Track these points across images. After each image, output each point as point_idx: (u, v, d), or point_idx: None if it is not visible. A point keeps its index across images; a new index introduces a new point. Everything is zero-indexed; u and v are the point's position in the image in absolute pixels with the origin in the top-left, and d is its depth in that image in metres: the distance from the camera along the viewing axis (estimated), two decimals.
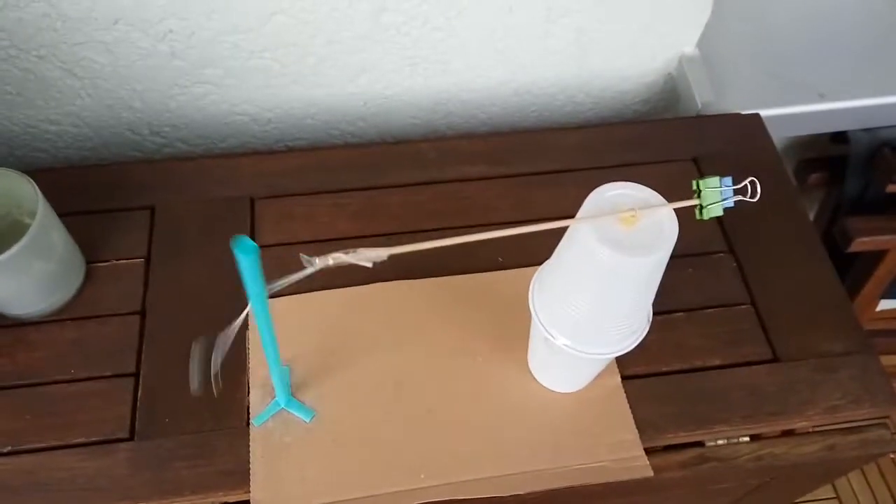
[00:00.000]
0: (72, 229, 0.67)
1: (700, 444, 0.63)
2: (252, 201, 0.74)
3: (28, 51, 0.73)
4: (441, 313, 0.67)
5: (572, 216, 0.49)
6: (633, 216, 0.46)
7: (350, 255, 0.43)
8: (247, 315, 0.47)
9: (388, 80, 0.84)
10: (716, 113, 0.85)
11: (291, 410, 0.61)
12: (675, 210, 0.47)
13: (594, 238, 0.46)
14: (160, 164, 0.79)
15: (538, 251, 0.57)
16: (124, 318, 0.66)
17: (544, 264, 0.56)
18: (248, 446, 0.60)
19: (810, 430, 0.65)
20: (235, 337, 0.65)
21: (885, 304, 1.25)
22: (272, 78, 0.81)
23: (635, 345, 0.54)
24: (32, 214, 0.60)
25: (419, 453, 0.60)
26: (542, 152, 0.79)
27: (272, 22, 0.74)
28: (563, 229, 0.50)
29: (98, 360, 0.64)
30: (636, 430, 0.61)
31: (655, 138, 0.81)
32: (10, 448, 0.59)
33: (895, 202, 1.05)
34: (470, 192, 0.76)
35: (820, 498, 1.39)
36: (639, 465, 0.60)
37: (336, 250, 0.44)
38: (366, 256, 0.43)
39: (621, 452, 0.60)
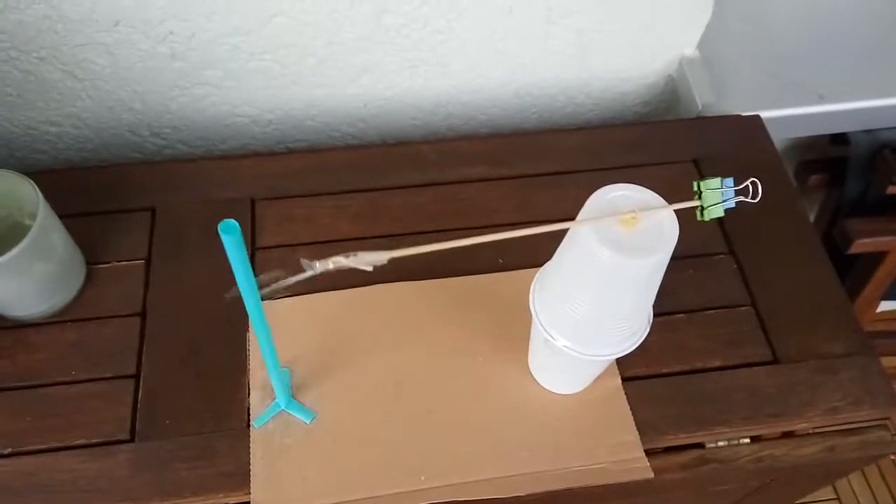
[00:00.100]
0: (72, 231, 0.67)
1: (700, 445, 0.63)
2: (252, 203, 0.74)
3: (29, 52, 0.73)
4: (441, 314, 0.67)
5: (573, 218, 0.49)
6: (633, 218, 0.46)
7: (350, 258, 0.43)
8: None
9: (389, 81, 0.84)
10: (716, 114, 0.85)
11: (291, 412, 0.61)
12: (676, 211, 0.47)
13: (595, 239, 0.46)
14: (161, 165, 0.79)
15: (539, 253, 0.57)
16: (125, 319, 0.66)
17: (545, 266, 0.56)
18: (249, 448, 0.60)
19: (811, 431, 0.65)
20: (235, 338, 0.65)
21: (885, 306, 1.25)
22: (272, 79, 0.81)
23: (636, 346, 0.54)
24: (33, 216, 0.60)
25: (419, 454, 0.60)
26: (542, 154, 0.79)
27: (272, 23, 0.74)
28: (564, 231, 0.50)
29: (98, 361, 0.64)
30: (636, 432, 0.61)
31: (656, 140, 0.81)
32: (10, 450, 0.59)
33: (895, 204, 1.05)
34: (470, 193, 0.76)
35: (820, 499, 1.39)
36: (639, 467, 0.60)
37: (337, 252, 0.44)
38: (366, 260, 0.43)
39: (622, 454, 0.60)
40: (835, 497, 1.39)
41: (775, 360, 0.66)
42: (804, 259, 0.73)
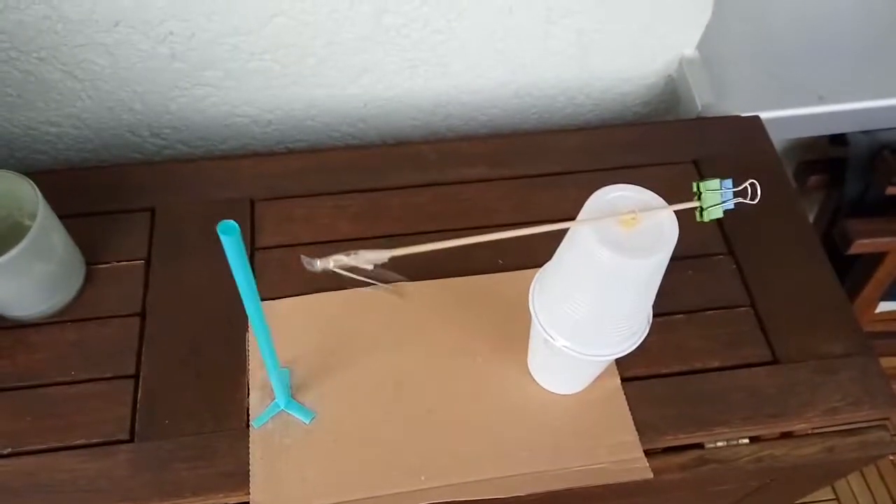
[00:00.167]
0: (72, 231, 0.67)
1: (700, 445, 0.63)
2: (252, 203, 0.74)
3: (29, 53, 0.73)
4: (441, 315, 0.67)
5: (573, 218, 0.49)
6: (633, 218, 0.46)
7: (351, 257, 0.43)
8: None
9: (389, 81, 0.84)
10: (716, 115, 0.85)
11: (291, 412, 0.61)
12: (676, 212, 0.47)
13: (595, 240, 0.46)
14: (160, 165, 0.79)
15: (538, 253, 0.57)
16: (124, 319, 0.66)
17: (545, 266, 0.56)
18: (248, 448, 0.60)
19: (810, 431, 0.65)
20: (235, 338, 0.65)
21: (884, 306, 1.25)
22: (272, 79, 0.81)
23: (635, 346, 0.54)
24: (33, 216, 0.60)
25: (419, 454, 0.60)
26: (542, 154, 0.79)
27: (272, 23, 0.74)
28: (564, 231, 0.50)
29: (98, 361, 0.64)
30: (636, 432, 0.61)
31: (656, 140, 0.81)
32: (10, 449, 0.59)
33: (895, 204, 1.05)
34: (470, 193, 0.76)
35: (819, 500, 1.39)
36: (638, 467, 0.60)
37: (337, 252, 0.44)
38: (366, 258, 0.43)
39: (621, 454, 0.60)
40: (834, 497, 1.39)
41: (775, 361, 0.66)
42: (804, 259, 0.73)
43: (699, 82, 0.87)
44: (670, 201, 0.47)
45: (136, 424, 0.61)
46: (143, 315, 0.67)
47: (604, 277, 0.48)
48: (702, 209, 0.47)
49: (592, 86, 0.91)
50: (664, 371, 0.65)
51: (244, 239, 0.71)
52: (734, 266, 0.72)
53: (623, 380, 0.64)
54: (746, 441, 0.63)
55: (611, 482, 0.59)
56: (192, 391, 0.62)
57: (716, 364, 0.66)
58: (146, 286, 0.68)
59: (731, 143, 0.81)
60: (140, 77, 0.78)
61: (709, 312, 0.69)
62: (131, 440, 0.60)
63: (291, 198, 0.75)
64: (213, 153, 0.89)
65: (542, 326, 0.55)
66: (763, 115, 0.84)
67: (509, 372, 0.64)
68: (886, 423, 0.65)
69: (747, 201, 0.46)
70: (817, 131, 0.96)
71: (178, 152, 0.89)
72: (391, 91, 0.86)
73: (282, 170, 0.76)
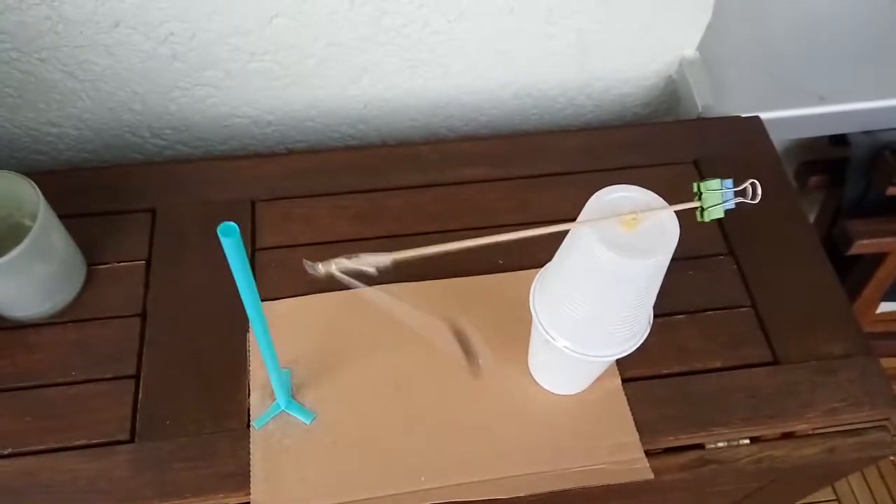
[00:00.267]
0: (72, 231, 0.67)
1: (700, 446, 0.63)
2: (252, 204, 0.74)
3: (29, 53, 0.73)
4: (441, 315, 0.67)
5: (573, 219, 0.49)
6: (634, 219, 0.46)
7: (353, 260, 0.43)
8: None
9: (389, 82, 0.84)
10: (716, 116, 0.85)
11: (291, 412, 0.61)
12: (676, 213, 0.47)
13: (595, 240, 0.46)
14: (161, 166, 0.79)
15: (539, 253, 0.57)
16: (125, 320, 0.66)
17: (545, 266, 0.56)
18: (249, 448, 0.60)
19: (810, 432, 0.65)
20: (235, 338, 0.65)
21: (885, 307, 1.25)
22: (273, 80, 0.81)
23: (636, 347, 0.54)
24: (33, 217, 0.60)
25: (419, 455, 0.60)
26: (542, 155, 0.79)
27: (273, 24, 0.74)
28: (565, 232, 0.50)
29: (99, 362, 0.64)
30: (636, 433, 0.61)
31: (656, 141, 0.81)
32: (10, 450, 0.59)
33: (895, 205, 1.05)
34: (470, 194, 0.76)
35: (820, 500, 1.39)
36: (639, 468, 0.60)
37: (337, 253, 0.44)
38: (369, 262, 0.43)
39: (621, 455, 0.60)
40: (834, 498, 1.39)
41: (775, 361, 0.66)
42: (804, 260, 0.73)
43: (699, 83, 0.87)
44: (671, 202, 0.47)
45: (137, 425, 0.61)
46: (143, 315, 0.67)
47: (605, 278, 0.48)
48: (702, 209, 0.47)
49: (592, 86, 0.91)
50: (665, 371, 0.65)
51: (244, 239, 0.71)
52: (735, 266, 0.72)
53: (623, 380, 0.64)
54: (747, 442, 0.63)
55: (611, 482, 0.59)
56: (192, 392, 0.62)
57: (716, 364, 0.66)
58: (147, 287, 0.68)
59: (731, 144, 0.81)
60: (140, 77, 0.78)
61: (709, 313, 0.69)
62: (132, 440, 0.60)
63: (291, 198, 0.75)
64: (214, 154, 0.90)
65: (542, 327, 0.55)
66: (763, 116, 0.84)
67: (510, 372, 0.64)
68: (887, 423, 0.65)
69: (748, 201, 0.46)
70: (818, 132, 0.96)
71: (178, 153, 0.89)
72: (391, 92, 0.86)
73: (282, 170, 0.76)
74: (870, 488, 1.40)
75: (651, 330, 0.55)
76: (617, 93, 0.92)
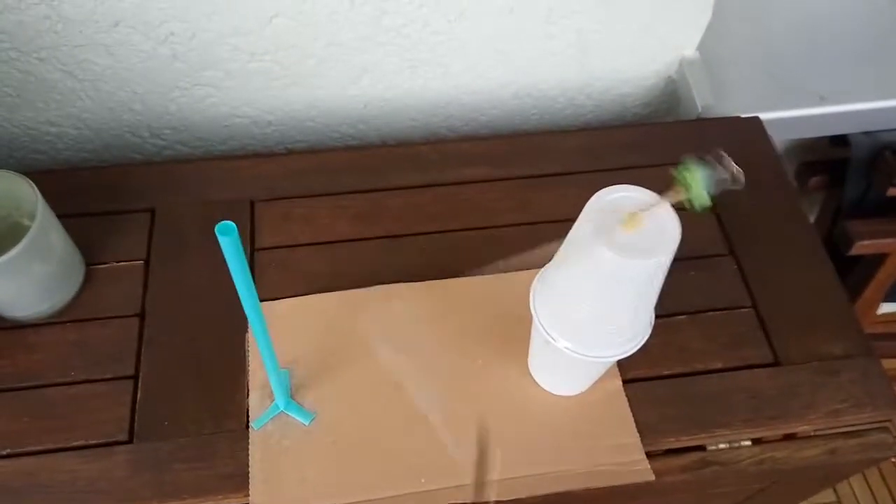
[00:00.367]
0: (71, 231, 0.66)
1: (701, 447, 0.63)
2: (252, 204, 0.74)
3: (29, 53, 0.73)
4: (441, 316, 0.67)
5: (573, 219, 0.48)
6: (635, 219, 0.46)
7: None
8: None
9: (389, 82, 0.84)
10: (716, 116, 0.85)
11: (290, 413, 0.61)
12: (677, 213, 0.47)
13: (596, 241, 0.46)
14: (160, 166, 0.79)
15: (539, 253, 0.57)
16: (124, 320, 0.66)
17: (546, 266, 0.55)
18: (248, 449, 0.59)
19: (812, 433, 0.65)
20: (234, 338, 0.65)
21: (886, 308, 1.25)
22: (273, 80, 0.81)
23: (637, 348, 0.54)
24: (32, 216, 0.60)
25: (419, 456, 0.60)
26: (542, 155, 0.79)
27: (272, 24, 0.74)
28: (565, 232, 0.50)
29: (98, 362, 0.64)
30: (637, 434, 0.61)
31: (656, 141, 0.81)
32: (9, 450, 0.59)
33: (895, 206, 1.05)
34: (470, 194, 0.76)
35: (821, 502, 1.38)
36: (640, 469, 0.60)
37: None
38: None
39: (622, 456, 0.60)
40: (835, 500, 1.39)
41: (776, 362, 0.66)
42: (805, 261, 0.72)
43: (699, 83, 0.87)
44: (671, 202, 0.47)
45: (136, 425, 0.61)
46: (142, 316, 0.66)
47: (605, 278, 0.47)
48: (691, 200, 0.45)
49: (593, 86, 0.91)
50: (665, 372, 0.65)
51: (244, 239, 0.71)
52: (735, 267, 0.72)
53: (624, 381, 0.64)
54: (748, 443, 0.63)
55: (612, 484, 0.59)
56: (191, 392, 0.62)
57: (717, 365, 0.66)
58: (145, 287, 0.68)
59: (731, 144, 0.81)
60: (140, 77, 0.78)
61: (710, 313, 0.69)
62: (130, 441, 0.60)
63: (291, 198, 0.74)
64: (213, 154, 0.89)
65: (543, 327, 0.54)
66: (763, 116, 0.84)
67: (510, 373, 0.64)
68: (888, 425, 0.65)
69: (730, 174, 0.45)
70: (818, 132, 0.96)
71: (177, 153, 0.89)
72: (391, 92, 0.86)
73: (282, 170, 0.76)
74: (871, 490, 1.40)
75: (652, 330, 0.55)
76: (617, 93, 0.92)
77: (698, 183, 0.45)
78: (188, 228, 0.71)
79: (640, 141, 0.81)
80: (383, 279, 0.69)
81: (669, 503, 0.72)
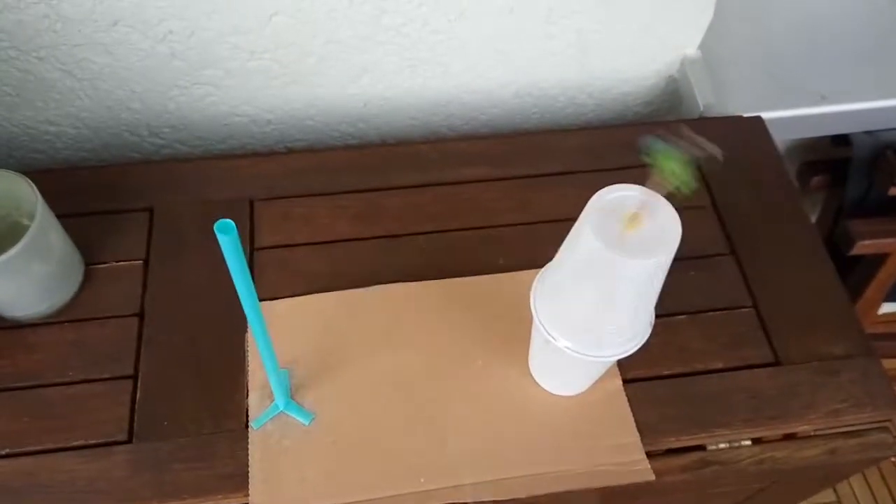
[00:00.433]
0: (70, 231, 0.66)
1: (701, 447, 0.63)
2: (251, 203, 0.74)
3: (28, 52, 0.72)
4: (441, 315, 0.67)
5: (574, 218, 0.48)
6: (635, 219, 0.46)
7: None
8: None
9: (389, 81, 0.84)
10: (718, 115, 0.85)
11: (290, 413, 0.61)
12: (678, 212, 0.47)
13: (597, 240, 0.45)
14: (159, 165, 0.79)
15: (539, 253, 0.56)
16: (123, 320, 0.66)
17: (546, 266, 0.55)
18: (247, 449, 0.59)
19: (812, 433, 0.65)
20: (234, 338, 0.65)
21: (886, 308, 1.24)
22: (272, 79, 0.81)
23: (637, 348, 0.54)
24: (31, 216, 0.60)
25: (419, 456, 0.60)
26: (543, 154, 0.79)
27: (272, 23, 0.74)
28: (565, 232, 0.50)
29: (97, 362, 0.64)
30: (637, 434, 0.61)
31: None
32: (8, 450, 0.59)
33: None
34: (471, 194, 0.75)
35: (821, 502, 1.38)
36: (640, 469, 0.60)
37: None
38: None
39: (622, 456, 0.60)
40: (835, 500, 1.39)
41: (776, 362, 0.66)
42: (806, 260, 0.72)
43: (701, 82, 0.86)
44: (672, 201, 0.47)
45: (135, 425, 0.60)
46: (141, 315, 0.66)
47: (606, 278, 0.47)
48: (677, 184, 0.44)
49: (593, 86, 0.90)
50: (666, 372, 0.65)
51: (243, 239, 0.70)
52: (736, 267, 0.72)
53: (624, 381, 0.64)
54: (748, 443, 0.63)
55: (612, 484, 0.59)
56: (190, 392, 0.62)
57: (717, 365, 0.66)
58: (145, 286, 0.68)
59: (733, 144, 0.81)
60: (139, 76, 0.77)
61: (711, 313, 0.69)
62: (130, 441, 0.60)
63: (291, 198, 0.74)
64: (212, 153, 0.89)
65: (543, 327, 0.54)
66: (765, 116, 0.84)
67: (510, 373, 0.64)
68: (888, 424, 0.65)
69: (701, 149, 0.43)
70: (820, 132, 0.96)
71: (176, 152, 0.88)
72: (391, 91, 0.85)
73: (281, 169, 0.76)
74: (871, 489, 1.40)
75: (652, 330, 0.55)
76: (618, 92, 0.92)
77: (673, 164, 0.43)
78: (187, 228, 0.71)
79: (641, 140, 0.81)
80: (383, 279, 0.69)
81: (670, 503, 0.72)
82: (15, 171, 0.62)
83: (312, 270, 0.69)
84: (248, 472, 0.58)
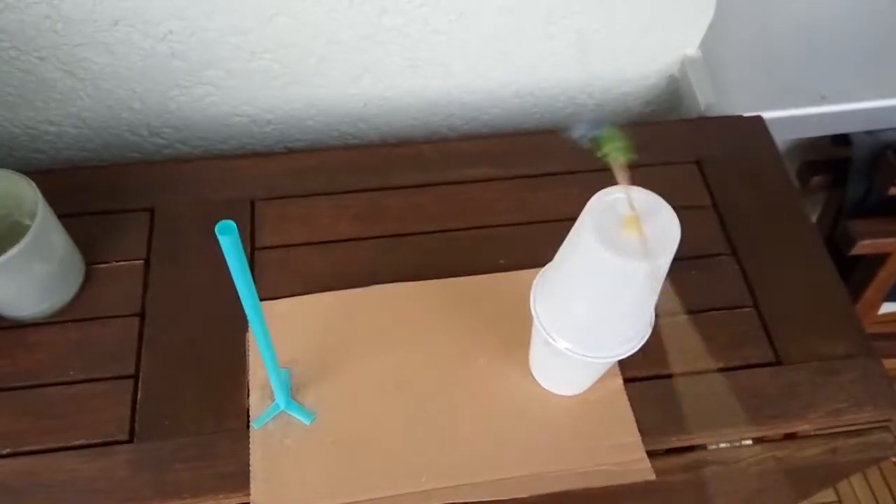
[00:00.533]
0: (71, 231, 0.66)
1: (702, 447, 0.63)
2: (252, 203, 0.74)
3: (29, 52, 0.72)
4: (442, 315, 0.67)
5: (574, 218, 0.48)
6: (636, 219, 0.46)
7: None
8: None
9: (390, 81, 0.84)
10: (718, 115, 0.85)
11: (291, 412, 0.61)
12: (679, 213, 0.47)
13: (597, 241, 0.46)
14: (160, 165, 0.79)
15: (539, 253, 0.56)
16: (124, 319, 0.66)
17: (546, 267, 0.55)
18: (248, 448, 0.59)
19: (812, 433, 0.65)
20: (234, 338, 0.65)
21: (887, 308, 1.24)
22: (272, 79, 0.81)
23: (637, 348, 0.54)
24: (32, 216, 0.60)
25: (420, 456, 0.60)
26: (543, 154, 0.79)
27: (273, 23, 0.74)
28: (566, 232, 0.50)
29: (98, 361, 0.64)
30: (638, 433, 0.61)
31: (658, 140, 0.81)
32: (9, 450, 0.59)
33: None
34: (471, 193, 0.75)
35: (822, 501, 1.38)
36: (641, 468, 0.60)
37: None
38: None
39: (623, 455, 0.60)
40: (836, 500, 1.39)
41: (777, 362, 0.66)
42: (806, 260, 0.72)
43: (701, 82, 0.86)
44: (673, 201, 0.47)
45: (136, 425, 0.60)
46: (142, 315, 0.66)
47: (605, 279, 0.47)
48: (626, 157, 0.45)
49: (594, 86, 0.91)
50: (666, 372, 0.65)
51: (244, 239, 0.70)
52: (737, 267, 0.72)
53: (625, 381, 0.64)
54: (749, 442, 0.63)
55: (613, 483, 0.59)
56: (191, 391, 0.62)
57: (718, 365, 0.66)
58: (145, 286, 0.68)
59: (733, 144, 0.81)
60: (140, 76, 0.78)
61: (711, 313, 0.69)
62: (131, 441, 0.60)
63: (291, 198, 0.74)
64: (213, 153, 0.89)
65: (543, 328, 0.54)
66: (765, 115, 0.84)
67: (510, 373, 0.64)
68: (889, 424, 0.65)
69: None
70: (820, 132, 0.96)
71: (177, 152, 0.88)
72: (392, 91, 0.85)
73: (282, 170, 0.76)
74: (872, 489, 1.40)
75: (652, 330, 0.55)
76: (618, 92, 0.92)
77: (614, 142, 0.45)
78: (188, 228, 0.71)
79: (641, 140, 0.80)
80: (383, 279, 0.69)
81: (670, 502, 0.72)
82: (16, 170, 0.62)
83: (313, 270, 0.69)
84: (249, 471, 0.58)
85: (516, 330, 0.64)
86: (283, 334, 0.64)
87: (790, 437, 0.64)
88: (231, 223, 0.41)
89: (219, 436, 0.60)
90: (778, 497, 0.77)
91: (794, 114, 0.89)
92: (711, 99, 0.85)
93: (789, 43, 0.95)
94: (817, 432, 0.65)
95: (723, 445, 0.63)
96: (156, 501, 0.57)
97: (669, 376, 0.65)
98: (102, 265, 0.69)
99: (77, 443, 0.60)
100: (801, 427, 0.63)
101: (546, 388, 0.63)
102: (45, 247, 0.62)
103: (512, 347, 0.65)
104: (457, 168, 0.77)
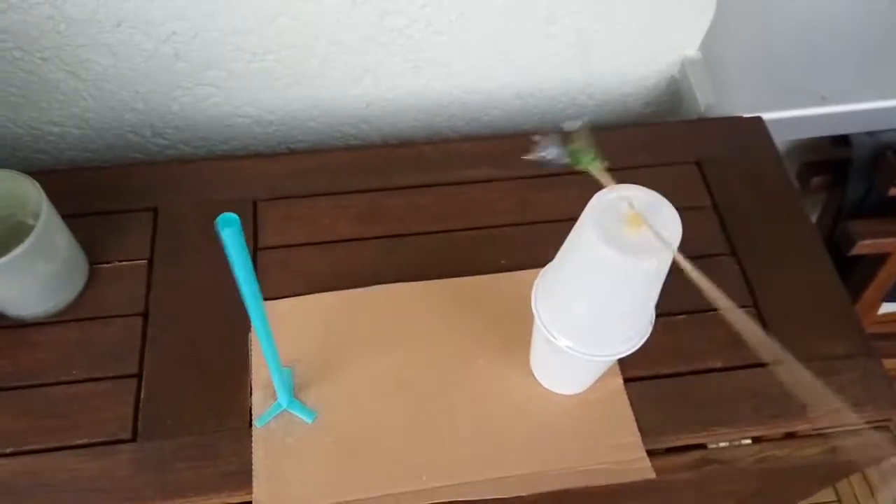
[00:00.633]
0: (75, 231, 0.67)
1: (702, 446, 0.63)
2: (254, 203, 0.74)
3: (32, 53, 0.73)
4: (442, 315, 0.67)
5: (575, 218, 0.49)
6: (636, 219, 0.46)
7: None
8: None
9: (391, 82, 0.84)
10: (718, 116, 0.85)
11: (293, 412, 0.61)
12: (679, 212, 0.47)
13: (598, 240, 0.46)
14: (162, 166, 0.79)
15: (540, 253, 0.57)
16: (127, 319, 0.66)
17: (547, 266, 0.56)
18: (251, 447, 0.60)
19: (812, 432, 0.65)
20: (237, 337, 0.65)
21: (887, 308, 1.25)
22: (275, 80, 0.81)
23: (638, 347, 0.54)
24: (36, 216, 0.60)
25: (421, 454, 0.60)
26: None
27: (275, 24, 0.74)
28: (566, 232, 0.50)
29: (100, 361, 0.64)
30: (638, 433, 0.61)
31: (658, 141, 0.81)
32: (12, 449, 0.59)
33: None
34: (473, 194, 0.76)
35: (821, 501, 1.38)
36: (641, 468, 0.60)
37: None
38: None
39: (623, 454, 0.60)
40: (836, 499, 1.39)
41: (777, 362, 0.66)
42: (806, 261, 0.73)
43: (702, 83, 0.87)
44: (673, 201, 0.47)
45: (139, 424, 0.61)
46: (145, 315, 0.67)
47: (607, 277, 0.48)
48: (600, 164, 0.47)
49: (594, 86, 0.91)
50: (666, 371, 0.65)
51: (246, 239, 0.71)
52: (737, 267, 0.72)
53: (625, 380, 0.64)
54: (749, 442, 0.63)
55: (613, 482, 0.59)
56: (194, 391, 0.62)
57: (718, 364, 0.66)
58: (148, 286, 0.68)
59: (733, 144, 0.81)
60: (143, 77, 0.78)
61: (711, 313, 0.69)
62: (133, 440, 0.60)
63: (293, 198, 0.75)
64: (215, 153, 0.90)
65: (544, 326, 0.54)
66: (765, 116, 0.84)
67: (511, 372, 0.64)
68: (889, 424, 0.65)
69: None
70: (820, 132, 0.96)
71: (180, 152, 0.89)
72: (393, 92, 0.86)
73: (284, 170, 0.76)
74: (871, 489, 1.40)
75: (652, 330, 0.55)
76: (618, 93, 0.92)
77: (587, 154, 0.47)
78: (190, 228, 0.72)
79: (642, 141, 0.81)
80: (385, 279, 0.69)
81: (670, 501, 0.72)
82: (20, 171, 0.62)
83: (315, 270, 0.70)
84: (251, 470, 0.59)
85: (517, 330, 0.64)
86: (285, 334, 0.65)
87: (790, 436, 0.65)
88: (233, 216, 0.40)
89: (221, 435, 0.60)
90: (777, 496, 0.77)
91: (794, 114, 0.89)
92: (711, 100, 0.85)
93: (789, 43, 0.96)
94: (817, 432, 0.65)
95: (723, 445, 0.63)
96: (158, 501, 0.57)
97: (669, 376, 0.65)
98: (106, 265, 0.69)
99: (79, 442, 0.60)
100: (801, 427, 0.64)
101: (546, 387, 0.64)
102: (49, 247, 0.62)
103: (512, 347, 0.65)
104: (458, 169, 0.77)
